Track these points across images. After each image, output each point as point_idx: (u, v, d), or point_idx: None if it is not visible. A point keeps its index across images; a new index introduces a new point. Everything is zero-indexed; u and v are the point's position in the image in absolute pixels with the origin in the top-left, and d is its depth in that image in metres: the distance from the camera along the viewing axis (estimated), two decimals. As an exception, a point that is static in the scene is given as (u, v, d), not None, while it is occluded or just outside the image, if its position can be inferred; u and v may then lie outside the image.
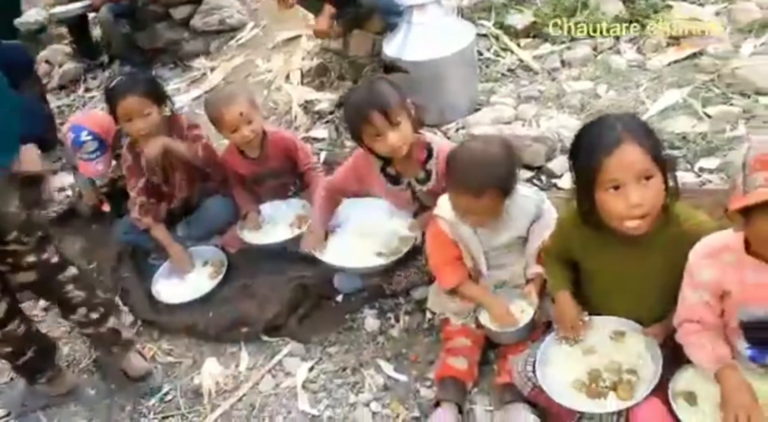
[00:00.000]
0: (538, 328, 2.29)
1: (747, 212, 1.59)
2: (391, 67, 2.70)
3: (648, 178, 1.74)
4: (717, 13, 4.21)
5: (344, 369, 2.62)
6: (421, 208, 2.75)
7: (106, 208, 3.79)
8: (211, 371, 2.78)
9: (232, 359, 2.83)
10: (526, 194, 2.33)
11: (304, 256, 3.04)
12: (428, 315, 2.66)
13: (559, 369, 2.05)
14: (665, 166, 1.80)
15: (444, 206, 2.36)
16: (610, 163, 1.74)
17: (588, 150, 1.81)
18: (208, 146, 3.22)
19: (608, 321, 2.09)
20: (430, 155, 2.64)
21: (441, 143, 2.73)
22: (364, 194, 2.90)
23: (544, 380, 2.01)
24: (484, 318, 2.33)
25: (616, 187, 1.75)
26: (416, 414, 2.37)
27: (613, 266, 1.99)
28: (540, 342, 2.13)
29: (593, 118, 1.98)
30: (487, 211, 2.20)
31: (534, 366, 2.05)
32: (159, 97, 3.13)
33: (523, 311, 2.29)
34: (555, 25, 4.36)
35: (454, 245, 2.38)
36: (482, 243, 2.34)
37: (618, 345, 2.05)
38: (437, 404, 2.29)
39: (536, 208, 2.31)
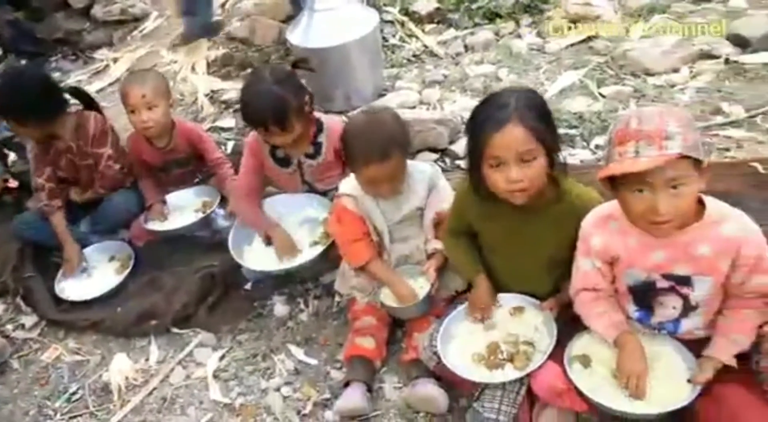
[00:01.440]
0: (441, 304, 2.36)
1: (612, 183, 1.70)
2: (297, 65, 2.72)
3: (530, 158, 1.82)
4: (610, -2, 4.39)
5: (255, 356, 2.62)
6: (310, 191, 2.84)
7: (13, 184, 3.65)
8: (120, 367, 2.72)
9: (141, 353, 2.78)
10: (422, 169, 2.39)
11: (211, 244, 3.04)
12: (336, 298, 2.70)
13: (460, 343, 2.13)
14: (552, 146, 1.87)
15: (347, 184, 2.40)
16: (495, 141, 1.81)
17: (478, 126, 1.87)
18: (109, 167, 3.15)
19: (509, 298, 2.18)
20: (320, 130, 2.71)
21: (330, 118, 2.82)
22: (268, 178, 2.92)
23: (446, 354, 2.08)
24: (383, 295, 2.38)
25: (499, 164, 1.83)
26: (327, 395, 2.40)
27: (507, 236, 2.08)
28: (443, 317, 2.20)
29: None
30: (395, 174, 2.25)
31: (437, 341, 2.11)
32: (9, 111, 2.98)
33: (422, 287, 2.34)
34: (458, 10, 4.47)
35: (361, 221, 2.41)
36: (385, 217, 2.38)
37: (516, 319, 2.15)
38: (347, 384, 2.33)
39: (431, 180, 2.37)
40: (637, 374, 1.81)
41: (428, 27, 4.50)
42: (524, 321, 2.13)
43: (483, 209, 2.06)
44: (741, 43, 3.72)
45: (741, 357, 1.79)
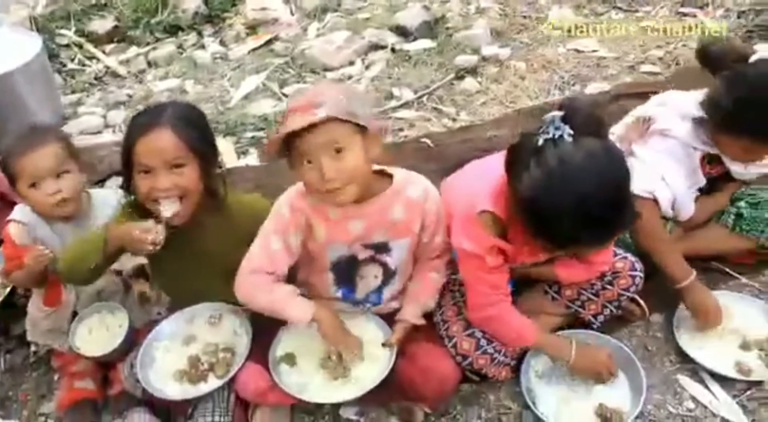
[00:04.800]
0: (142, 332, 2.27)
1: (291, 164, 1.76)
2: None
3: (177, 165, 1.82)
4: (286, 1, 4.57)
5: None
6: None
7: None
8: None
9: None
10: (105, 194, 2.29)
11: None
12: (32, 347, 2.48)
13: (161, 364, 2.06)
14: (205, 156, 1.87)
15: (19, 211, 2.19)
16: (142, 146, 1.79)
17: (129, 133, 1.83)
18: None
19: (205, 308, 2.16)
20: None
21: None
22: None
23: (147, 378, 2.01)
24: (80, 344, 2.18)
25: (147, 171, 1.81)
26: (33, 454, 2.22)
27: (174, 256, 2.01)
28: (141, 344, 2.12)
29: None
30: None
31: (137, 367, 2.04)
32: None
33: (121, 326, 2.20)
34: (137, 26, 4.36)
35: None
36: (64, 241, 2.20)
37: (215, 328, 2.13)
38: None
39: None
40: (344, 345, 1.88)
41: (109, 47, 4.34)
42: (223, 328, 2.12)
43: None
44: (403, 32, 4.10)
45: (426, 315, 1.98)
